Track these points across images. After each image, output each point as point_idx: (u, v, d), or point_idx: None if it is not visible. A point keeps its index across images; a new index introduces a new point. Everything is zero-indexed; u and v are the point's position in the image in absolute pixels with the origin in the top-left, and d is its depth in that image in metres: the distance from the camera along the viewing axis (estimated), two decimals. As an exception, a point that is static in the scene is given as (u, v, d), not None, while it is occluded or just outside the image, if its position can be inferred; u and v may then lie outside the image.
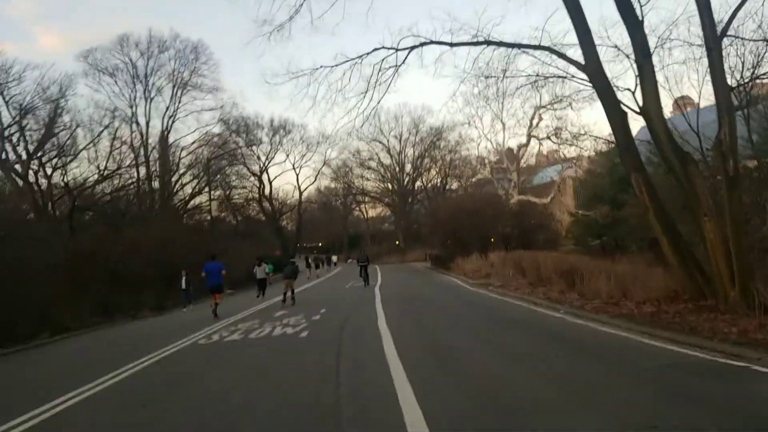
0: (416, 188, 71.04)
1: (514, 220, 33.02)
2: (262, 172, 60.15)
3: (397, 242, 79.35)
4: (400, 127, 67.42)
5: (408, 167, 69.33)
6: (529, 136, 45.38)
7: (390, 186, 71.78)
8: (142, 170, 42.92)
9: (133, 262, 26.20)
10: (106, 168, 34.71)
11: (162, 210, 43.38)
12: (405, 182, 70.48)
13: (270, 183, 60.93)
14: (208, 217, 52.93)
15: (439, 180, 64.89)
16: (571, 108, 46.33)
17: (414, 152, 67.22)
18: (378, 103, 16.44)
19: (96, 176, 34.39)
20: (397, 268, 44.99)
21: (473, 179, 57.18)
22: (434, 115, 63.31)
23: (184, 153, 47.63)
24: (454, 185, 62.75)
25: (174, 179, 51.46)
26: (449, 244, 35.62)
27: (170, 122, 45.83)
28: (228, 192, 56.78)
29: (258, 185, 60.01)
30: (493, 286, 20.97)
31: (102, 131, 35.46)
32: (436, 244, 48.25)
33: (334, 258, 62.81)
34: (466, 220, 32.43)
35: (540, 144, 45.14)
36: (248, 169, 59.27)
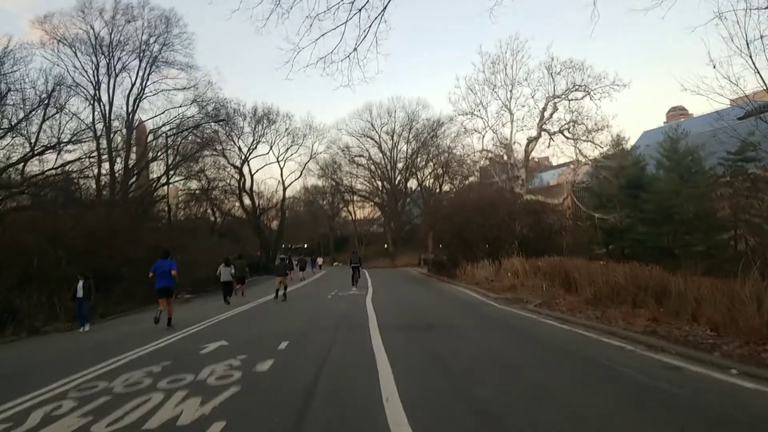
0: (408, 189, 64.78)
1: (531, 220, 26.73)
2: (242, 164, 53.61)
3: (386, 245, 73.12)
4: (393, 123, 61.29)
5: (400, 165, 63.10)
6: (541, 129, 39.40)
7: (380, 185, 65.42)
8: (108, 160, 36.20)
9: (49, 258, 19.54)
10: (35, 144, 27.73)
11: (122, 199, 36.58)
12: (397, 181, 64.20)
13: (251, 176, 54.50)
14: (175, 208, 46.10)
15: (432, 179, 58.60)
16: (590, 97, 40.89)
17: (407, 149, 61.04)
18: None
19: (30, 154, 27.45)
20: (389, 274, 38.50)
21: (469, 180, 51.08)
22: (432, 107, 56.77)
23: (151, 137, 40.78)
24: (446, 187, 56.60)
25: (140, 165, 44.69)
26: (452, 246, 29.24)
27: (137, 102, 39.02)
28: (207, 184, 49.99)
29: (238, 178, 53.40)
30: (532, 304, 14.60)
31: (37, 107, 28.45)
32: (434, 247, 41.91)
33: (320, 260, 56.22)
34: (474, 217, 26.09)
35: (551, 139, 39.26)
36: (227, 159, 52.60)
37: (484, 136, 39.16)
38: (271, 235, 59.19)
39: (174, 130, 38.67)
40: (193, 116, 38.98)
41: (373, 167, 64.00)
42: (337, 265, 76.76)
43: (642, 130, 52.48)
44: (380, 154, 63.19)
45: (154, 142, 38.13)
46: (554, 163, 50.11)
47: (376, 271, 42.86)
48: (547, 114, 38.94)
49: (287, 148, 55.87)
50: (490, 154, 38.96)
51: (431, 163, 55.27)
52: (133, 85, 37.53)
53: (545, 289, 16.85)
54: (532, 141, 38.88)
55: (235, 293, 22.83)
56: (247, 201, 54.56)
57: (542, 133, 38.80)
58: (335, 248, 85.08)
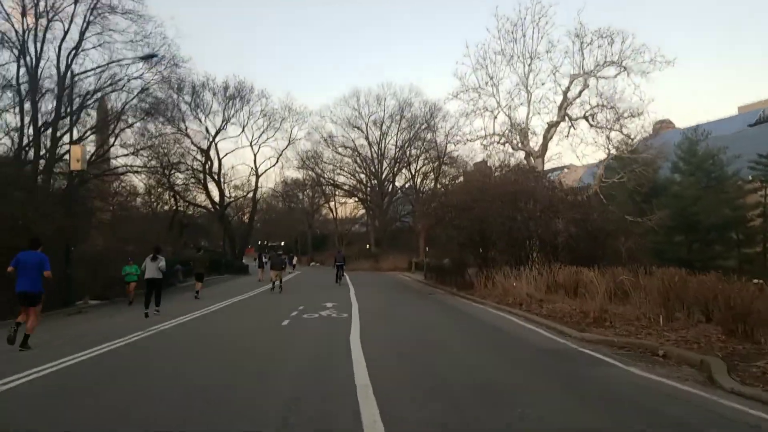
0: (395, 186, 57.02)
1: (579, 215, 19.12)
2: (209, 146, 45.12)
3: (368, 246, 65.17)
4: (382, 111, 53.44)
5: (389, 158, 55.24)
6: (565, 112, 32.04)
7: (366, 179, 57.49)
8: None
9: None
10: None
11: (46, 172, 28.15)
12: (384, 176, 56.37)
13: (219, 160, 46.03)
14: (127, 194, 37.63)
15: (421, 177, 50.70)
16: (627, 73, 33.28)
17: (397, 140, 53.24)
18: None
19: None
20: (376, 281, 30.51)
21: (458, 180, 43.52)
22: (426, 96, 48.96)
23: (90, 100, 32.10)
24: (432, 183, 48.89)
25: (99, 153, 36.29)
26: (466, 248, 21.58)
27: (71, 57, 30.39)
28: (162, 164, 41.46)
29: (203, 161, 44.90)
30: (687, 365, 6.86)
31: None
32: (427, 249, 34.16)
33: (295, 259, 48.10)
34: (501, 209, 18.47)
35: (572, 126, 31.93)
36: (191, 139, 44.14)
37: (496, 116, 31.59)
38: (240, 229, 50.79)
39: (102, 83, 29.95)
40: (141, 75, 30.53)
41: (359, 160, 56.09)
42: (315, 266, 68.64)
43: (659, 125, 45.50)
44: (367, 146, 55.33)
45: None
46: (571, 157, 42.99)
47: (358, 275, 35.06)
48: (571, 95, 31.62)
49: (262, 132, 47.69)
50: (502, 140, 31.37)
51: (424, 156, 47.41)
52: (66, 32, 28.89)
53: (662, 322, 9.24)
54: (553, 126, 31.39)
55: (196, 296, 19.36)
56: (215, 190, 46.23)
57: (565, 117, 31.47)
58: (314, 247, 76.86)
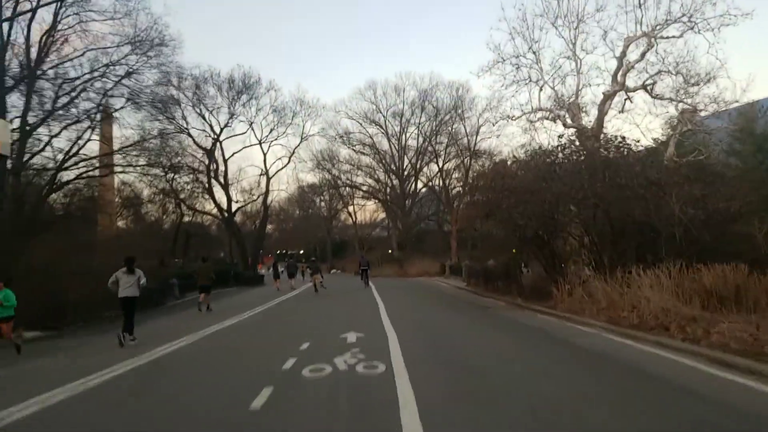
0: (417, 186, 51.17)
1: (697, 193, 13.00)
2: (213, 146, 39.76)
3: (390, 251, 59.34)
4: (401, 103, 47.70)
5: (410, 154, 49.44)
6: (624, 80, 25.91)
7: (386, 178, 51.74)
8: None
9: None
10: None
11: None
12: (405, 174, 50.58)
13: (225, 161, 40.74)
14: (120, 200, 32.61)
15: (451, 171, 44.61)
16: (696, 32, 26.83)
17: (419, 132, 47.40)
18: None
19: None
20: (406, 289, 24.39)
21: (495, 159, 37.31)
22: (454, 77, 42.71)
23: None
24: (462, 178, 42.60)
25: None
26: (526, 244, 15.63)
27: (45, 39, 25.25)
28: (167, 170, 36.30)
29: (206, 163, 39.62)
30: None
31: None
32: (474, 249, 28.22)
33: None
34: (581, 189, 12.56)
35: (628, 98, 25.75)
36: (192, 138, 38.88)
37: (542, 88, 25.60)
38: (252, 237, 45.30)
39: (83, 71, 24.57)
40: (125, 57, 25.18)
41: (378, 157, 50.40)
42: (336, 273, 63.10)
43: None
44: (386, 142, 49.68)
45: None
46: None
47: (384, 283, 29.26)
48: (627, 60, 25.46)
49: (272, 129, 42.25)
50: (550, 115, 25.33)
51: (452, 150, 41.15)
52: (35, 7, 23.69)
53: None
54: (609, 97, 25.20)
55: (199, 308, 17.42)
56: (222, 196, 40.90)
57: (622, 87, 25.32)
58: (333, 254, 71.30)
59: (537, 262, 17.03)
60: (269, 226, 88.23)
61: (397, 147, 49.47)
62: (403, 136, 49.11)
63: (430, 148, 43.95)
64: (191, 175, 39.57)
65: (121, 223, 53.75)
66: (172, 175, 39.08)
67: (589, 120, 25.36)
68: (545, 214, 13.97)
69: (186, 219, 45.80)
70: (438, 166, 39.85)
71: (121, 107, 25.23)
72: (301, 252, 77.45)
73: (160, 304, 22.12)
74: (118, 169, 29.74)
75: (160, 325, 14.25)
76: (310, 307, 17.10)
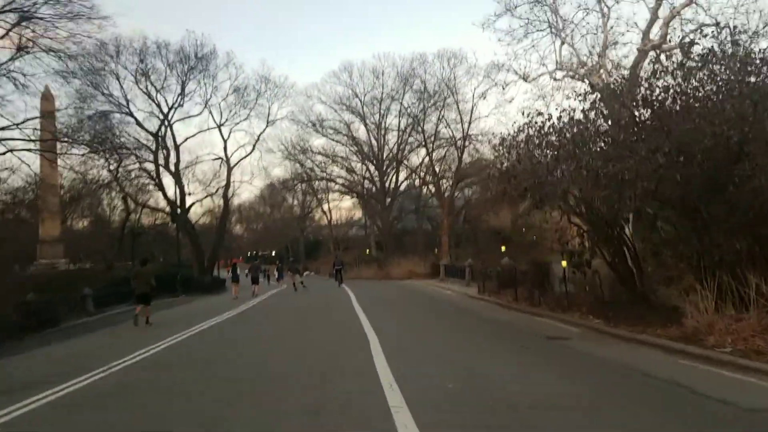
0: (399, 180, 44.91)
1: None
2: (162, 127, 32.63)
3: (367, 250, 52.96)
4: (381, 87, 41.36)
5: (391, 143, 43.17)
6: (665, 34, 20.55)
7: (364, 170, 45.32)
8: None
9: None
10: None
11: None
12: (386, 166, 44.29)
13: (176, 148, 33.64)
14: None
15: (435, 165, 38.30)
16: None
17: (400, 118, 41.14)
18: None
19: None
20: (396, 297, 17.60)
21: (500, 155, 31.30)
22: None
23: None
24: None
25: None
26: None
27: None
28: (106, 154, 29.43)
29: (153, 148, 32.44)
30: None
31: None
32: (466, 248, 22.05)
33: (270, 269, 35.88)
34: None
35: (655, 59, 19.86)
36: (135, 119, 31.69)
37: (563, 42, 19.73)
38: (208, 237, 38.20)
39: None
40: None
41: (355, 147, 43.97)
42: (309, 275, 56.35)
43: None
44: (364, 130, 43.28)
45: None
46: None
47: (364, 287, 22.85)
48: (663, 13, 19.91)
49: (231, 111, 35.36)
50: (575, 75, 19.50)
51: (446, 130, 34.44)
52: None
53: None
54: (643, 59, 19.35)
55: (135, 322, 13.13)
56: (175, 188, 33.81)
57: (660, 45, 19.61)
58: (307, 255, 64.46)
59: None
60: (238, 227, 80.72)
61: (376, 135, 43.14)
62: (383, 124, 42.84)
63: (415, 133, 37.58)
64: (135, 164, 32.50)
65: (81, 223, 46.24)
66: (116, 164, 32.05)
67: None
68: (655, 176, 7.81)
69: (137, 217, 38.55)
70: (427, 150, 33.44)
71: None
72: (273, 253, 70.44)
73: (55, 324, 15.23)
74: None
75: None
76: (259, 335, 10.62)
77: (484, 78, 27.75)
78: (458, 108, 31.12)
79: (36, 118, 22.60)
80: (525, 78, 19.51)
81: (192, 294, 27.81)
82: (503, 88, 19.86)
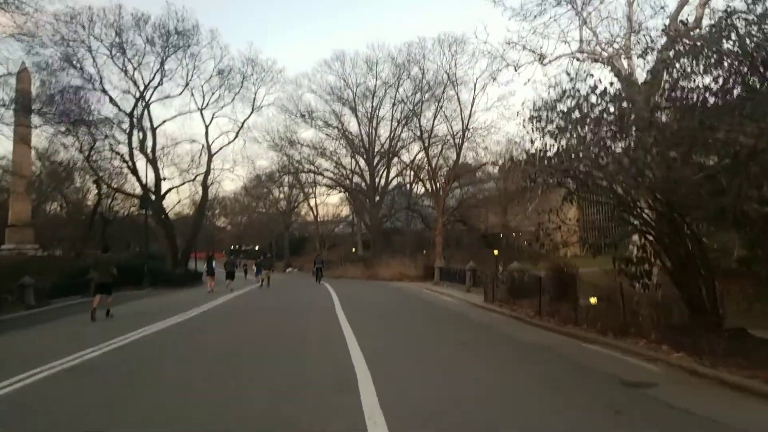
0: (390, 176, 42.24)
1: None
2: (138, 107, 29.53)
3: (353, 249, 50.31)
4: (374, 78, 38.70)
5: (383, 136, 40.51)
6: (701, 16, 17.70)
7: (353, 164, 42.60)
8: None
9: None
10: None
11: None
12: (376, 161, 41.63)
13: (153, 130, 30.57)
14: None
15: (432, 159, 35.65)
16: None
17: (395, 111, 38.51)
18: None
19: None
20: (393, 307, 14.38)
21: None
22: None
23: None
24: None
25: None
26: None
27: None
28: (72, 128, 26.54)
29: (127, 129, 29.37)
30: None
31: None
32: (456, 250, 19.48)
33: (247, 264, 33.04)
34: None
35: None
36: (105, 92, 28.50)
37: (586, 20, 17.18)
38: (182, 226, 35.09)
39: None
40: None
41: (344, 140, 41.21)
42: (291, 272, 53.41)
43: None
44: (355, 122, 40.57)
45: None
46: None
47: (348, 288, 20.17)
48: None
49: (214, 94, 32.35)
50: (602, 53, 16.96)
51: (445, 124, 31.60)
52: None
53: None
54: (675, 40, 16.88)
55: (92, 316, 11.34)
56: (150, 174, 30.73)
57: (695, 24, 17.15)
58: (291, 251, 61.54)
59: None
60: (222, 220, 77.20)
61: (367, 128, 40.47)
62: (376, 116, 40.19)
63: (408, 129, 34.85)
64: (107, 146, 29.38)
65: (52, 208, 42.73)
66: (88, 146, 28.97)
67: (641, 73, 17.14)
68: None
69: (108, 202, 35.33)
70: (423, 143, 30.64)
71: None
72: (257, 248, 67.26)
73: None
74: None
75: None
76: (225, 341, 7.90)
77: (492, 61, 25.12)
78: (458, 98, 28.48)
79: None
80: (541, 59, 16.94)
81: (161, 287, 24.89)
82: (516, 69, 17.19)
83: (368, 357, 6.31)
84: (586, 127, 8.92)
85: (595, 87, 8.64)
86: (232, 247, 74.91)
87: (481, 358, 6.64)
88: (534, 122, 8.96)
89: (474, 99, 27.81)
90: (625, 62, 16.57)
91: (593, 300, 9.64)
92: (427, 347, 7.31)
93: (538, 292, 11.65)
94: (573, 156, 8.79)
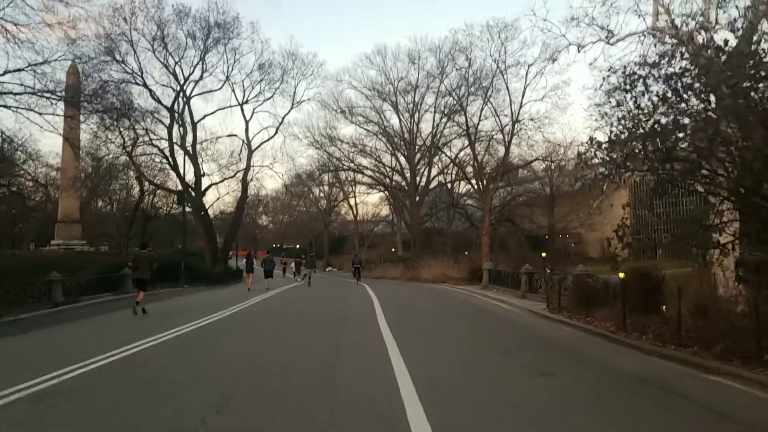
0: (431, 175, 40.28)
1: None
2: (178, 101, 28.94)
3: (392, 249, 48.67)
4: (416, 73, 36.93)
5: (425, 132, 38.69)
6: None
7: (394, 161, 40.99)
8: None
9: None
10: None
11: None
12: (417, 159, 39.86)
13: (194, 125, 30.00)
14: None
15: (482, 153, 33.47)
16: None
17: (437, 107, 36.59)
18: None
19: None
20: (441, 312, 12.97)
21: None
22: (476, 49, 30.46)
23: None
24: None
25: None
26: None
27: None
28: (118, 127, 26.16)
29: (167, 123, 28.83)
30: None
31: None
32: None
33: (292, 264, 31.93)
34: None
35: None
36: (147, 87, 27.95)
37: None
38: (225, 224, 34.42)
39: None
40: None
41: (385, 138, 39.65)
42: (331, 271, 52.35)
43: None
44: (396, 119, 38.94)
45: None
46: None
47: (390, 290, 18.59)
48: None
49: (255, 87, 31.45)
50: (684, 28, 14.54)
51: (492, 119, 29.26)
52: None
53: None
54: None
55: (134, 311, 11.95)
56: (189, 170, 30.18)
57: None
58: (331, 250, 60.61)
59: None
60: (264, 219, 77.37)
61: (408, 124, 38.74)
62: (418, 112, 38.42)
63: (452, 124, 32.75)
64: (148, 141, 28.92)
65: (100, 204, 43.30)
66: (131, 141, 28.62)
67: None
68: None
69: (150, 199, 35.21)
70: (469, 138, 28.27)
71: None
72: (297, 247, 66.73)
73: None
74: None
75: None
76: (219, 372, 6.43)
77: (546, 46, 22.82)
78: (507, 88, 26.22)
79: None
80: (609, 37, 14.71)
81: (198, 285, 24.07)
82: (579, 49, 15.01)
83: (423, 394, 4.60)
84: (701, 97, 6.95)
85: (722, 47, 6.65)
86: (273, 245, 74.79)
87: (578, 400, 4.80)
88: (617, 96, 7.06)
89: (525, 89, 25.48)
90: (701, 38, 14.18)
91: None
92: (500, 380, 5.52)
93: (618, 301, 9.64)
94: (674, 136, 6.86)
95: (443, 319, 11.10)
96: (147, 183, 32.24)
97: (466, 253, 37.29)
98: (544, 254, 40.57)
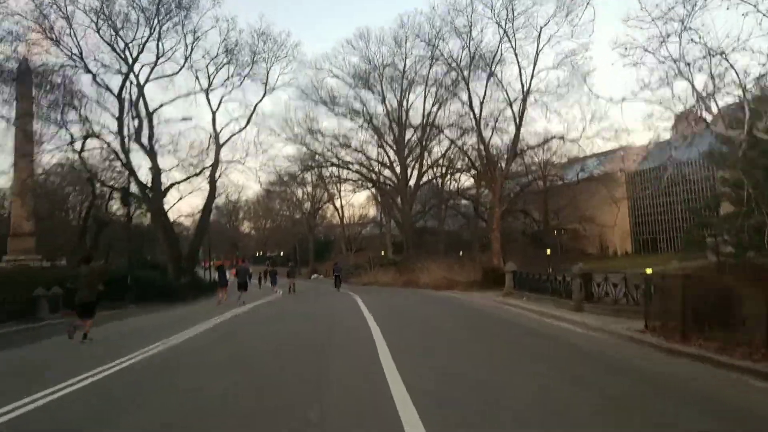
0: (423, 167, 35.95)
1: None
2: (124, 86, 23.99)
3: (382, 252, 44.28)
4: (402, 55, 32.67)
5: (415, 121, 34.41)
6: None
7: (382, 155, 36.65)
8: None
9: None
10: None
11: None
12: (407, 152, 35.59)
13: (149, 116, 25.02)
14: None
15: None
16: None
17: (428, 93, 32.42)
18: None
19: None
20: (472, 344, 8.02)
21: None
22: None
23: None
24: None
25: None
26: None
27: None
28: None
29: (116, 113, 23.98)
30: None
31: None
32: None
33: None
34: None
35: None
36: (89, 71, 23.14)
37: None
38: (183, 232, 29.50)
39: None
40: None
41: (371, 130, 35.31)
42: (317, 278, 47.74)
43: None
44: (382, 110, 34.61)
45: None
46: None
47: (386, 302, 14.22)
48: None
49: (220, 70, 26.72)
50: None
51: (502, 92, 24.65)
52: None
53: None
54: None
55: (69, 335, 8.59)
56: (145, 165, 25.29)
57: None
58: (316, 256, 56.02)
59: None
60: (246, 225, 72.07)
61: (397, 114, 34.44)
62: (406, 100, 34.18)
63: (452, 100, 28.27)
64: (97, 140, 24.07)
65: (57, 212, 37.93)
66: (81, 138, 23.82)
67: None
68: None
69: (104, 203, 30.15)
70: (475, 118, 23.41)
71: None
72: (281, 254, 61.85)
73: None
74: None
75: None
76: None
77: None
78: (516, 55, 21.72)
79: None
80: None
81: (153, 303, 19.31)
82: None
83: None
84: None
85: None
86: (256, 254, 69.54)
87: None
88: None
89: (537, 55, 21.22)
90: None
91: None
92: None
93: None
94: None
95: (486, 357, 6.47)
96: (98, 185, 27.26)
97: (461, 252, 33.19)
98: (549, 251, 36.93)
